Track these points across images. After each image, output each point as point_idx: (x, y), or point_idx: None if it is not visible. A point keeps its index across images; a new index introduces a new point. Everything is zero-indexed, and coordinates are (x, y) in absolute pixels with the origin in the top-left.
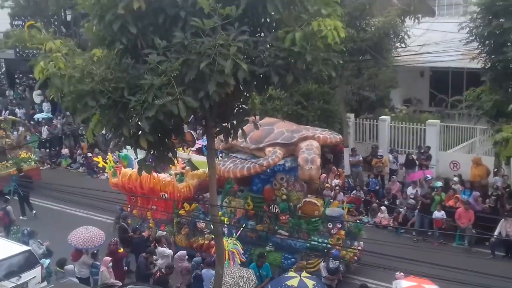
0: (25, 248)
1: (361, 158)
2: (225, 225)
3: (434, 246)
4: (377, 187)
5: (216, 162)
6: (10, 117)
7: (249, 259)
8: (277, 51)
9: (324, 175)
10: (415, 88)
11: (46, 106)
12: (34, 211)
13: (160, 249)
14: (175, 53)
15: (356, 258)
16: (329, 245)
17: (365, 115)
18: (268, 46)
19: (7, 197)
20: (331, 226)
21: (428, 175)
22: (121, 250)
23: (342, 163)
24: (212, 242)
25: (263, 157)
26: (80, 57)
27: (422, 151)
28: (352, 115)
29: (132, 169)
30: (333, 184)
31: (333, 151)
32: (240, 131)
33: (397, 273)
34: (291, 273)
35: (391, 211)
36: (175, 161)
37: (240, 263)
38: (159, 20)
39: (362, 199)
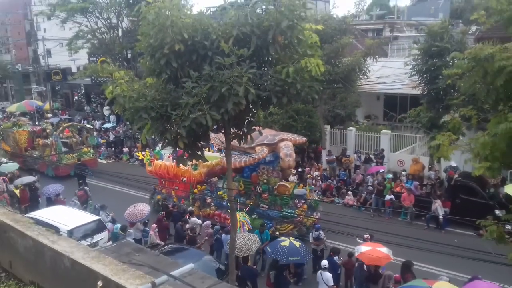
0: (96, 217)
1: (335, 157)
2: (238, 202)
3: (386, 220)
4: (345, 178)
5: (220, 157)
6: (75, 123)
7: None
8: (276, 80)
9: (308, 168)
10: (373, 107)
11: (112, 118)
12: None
13: (192, 219)
14: (204, 81)
15: (314, 223)
16: (295, 215)
17: (337, 127)
18: (269, 77)
19: (86, 181)
20: (297, 201)
21: (381, 169)
22: (166, 222)
23: (320, 160)
24: (216, 211)
25: (253, 154)
26: (137, 83)
27: (378, 152)
28: (328, 126)
29: (162, 161)
30: (314, 175)
31: (315, 152)
32: (249, 136)
33: (358, 239)
34: (283, 238)
35: (355, 195)
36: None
37: (248, 230)
38: (193, 58)
39: (335, 186)
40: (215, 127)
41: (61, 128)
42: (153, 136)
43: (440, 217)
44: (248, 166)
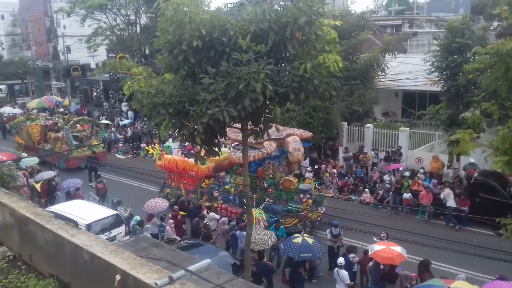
0: (113, 212)
1: (352, 154)
2: (253, 198)
3: (403, 218)
4: (362, 175)
5: (228, 152)
6: (86, 117)
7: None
8: (293, 76)
9: (324, 165)
10: (391, 104)
11: (130, 114)
12: (93, 183)
13: (211, 214)
14: (221, 77)
15: (319, 218)
16: (300, 209)
17: (355, 124)
18: (287, 73)
19: (100, 174)
20: (302, 196)
21: (399, 167)
22: (182, 213)
23: (337, 157)
24: (223, 205)
25: (262, 148)
26: (155, 79)
27: (395, 150)
28: (345, 123)
29: (171, 155)
30: (331, 172)
31: (331, 149)
32: (266, 133)
33: (375, 237)
34: (296, 234)
35: (372, 192)
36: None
37: (264, 226)
38: (211, 54)
39: (351, 183)
40: (232, 123)
41: (71, 122)
42: (170, 132)
43: (448, 206)
44: (255, 161)
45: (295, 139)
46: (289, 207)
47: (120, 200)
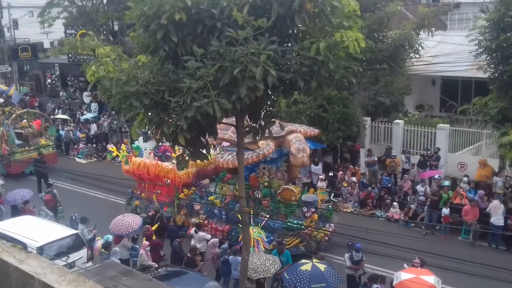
0: (72, 231)
1: (376, 158)
2: (251, 215)
3: (441, 239)
4: (390, 185)
5: (213, 154)
6: (32, 110)
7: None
8: (302, 59)
9: (341, 172)
10: (427, 94)
11: (94, 106)
12: (42, 194)
13: (201, 234)
14: (211, 60)
15: (326, 238)
16: (303, 226)
17: (380, 119)
18: (294, 54)
19: (50, 182)
20: (306, 209)
21: (437, 175)
22: (154, 237)
23: (358, 162)
24: (206, 221)
25: (256, 149)
26: (126, 62)
27: (431, 152)
28: (368, 119)
29: (142, 158)
30: (350, 181)
31: (351, 151)
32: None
33: (405, 264)
34: (303, 260)
35: (402, 207)
36: (209, 157)
37: (264, 250)
38: (198, 30)
39: (376, 195)
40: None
41: (13, 116)
42: (146, 130)
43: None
44: (248, 165)
45: (298, 137)
46: (288, 224)
47: (84, 217)
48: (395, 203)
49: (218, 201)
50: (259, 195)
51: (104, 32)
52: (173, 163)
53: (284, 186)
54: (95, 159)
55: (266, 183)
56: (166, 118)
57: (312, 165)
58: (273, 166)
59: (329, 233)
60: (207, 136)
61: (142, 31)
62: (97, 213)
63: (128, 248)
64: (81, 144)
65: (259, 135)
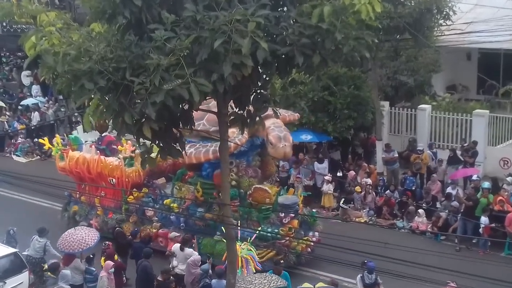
0: (10, 250)
1: (397, 154)
2: (238, 228)
3: (479, 255)
4: (414, 187)
5: None
6: None
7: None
8: (302, 28)
9: (352, 172)
10: (461, 72)
11: (35, 88)
12: None
13: (187, 250)
14: (185, 29)
15: (309, 249)
16: (279, 236)
17: (401, 104)
18: (292, 22)
19: None
20: (283, 215)
21: (473, 174)
22: (116, 257)
23: (374, 159)
24: (160, 230)
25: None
26: (76, 33)
27: (467, 145)
28: (386, 103)
29: (81, 152)
30: (363, 183)
31: (364, 144)
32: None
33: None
34: (305, 284)
35: (430, 215)
36: (182, 153)
37: (254, 271)
38: None
39: (397, 201)
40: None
41: None
42: (102, 120)
43: None
44: (210, 160)
45: (276, 123)
46: (261, 232)
47: (42, 227)
48: (421, 211)
49: (176, 205)
50: None
51: None
52: (119, 158)
53: (257, 185)
54: (38, 156)
55: (234, 182)
56: (128, 104)
57: (316, 163)
58: (242, 161)
59: (312, 243)
60: (181, 127)
61: None
62: (31, 221)
63: (81, 271)
64: (19, 138)
65: (249, 124)
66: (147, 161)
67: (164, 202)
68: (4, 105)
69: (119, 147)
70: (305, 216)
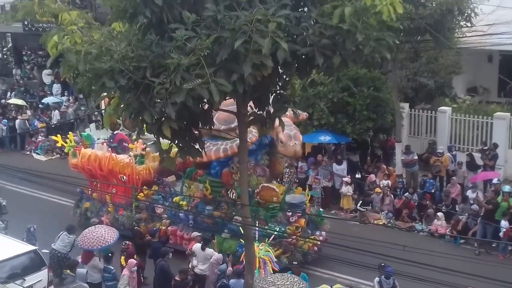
0: (30, 247)
1: (417, 156)
2: (256, 228)
3: (500, 260)
4: (434, 190)
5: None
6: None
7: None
8: (322, 28)
9: (373, 176)
10: (482, 74)
11: (56, 87)
12: None
13: (208, 250)
14: (205, 29)
15: (316, 248)
16: (286, 234)
17: (421, 106)
18: (312, 22)
19: None
20: (290, 213)
21: (494, 177)
22: (135, 257)
23: (393, 161)
24: (170, 228)
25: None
26: (98, 32)
27: (487, 148)
28: (406, 105)
29: (93, 149)
30: (382, 185)
31: (383, 146)
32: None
33: None
34: (323, 286)
35: (449, 218)
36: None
37: (272, 272)
38: None
39: (416, 203)
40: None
41: None
42: (122, 118)
43: None
44: (220, 159)
45: (286, 122)
46: (268, 231)
47: (71, 225)
48: (440, 214)
49: (185, 203)
50: (234, 195)
51: None
52: (130, 156)
53: (264, 184)
54: (58, 155)
55: None
56: (148, 103)
57: (334, 164)
58: (251, 159)
59: (319, 242)
60: (200, 127)
61: None
62: (50, 219)
63: (99, 270)
64: (40, 137)
65: (267, 125)
66: (166, 161)
67: (174, 199)
68: (25, 104)
69: (130, 145)
70: (312, 215)
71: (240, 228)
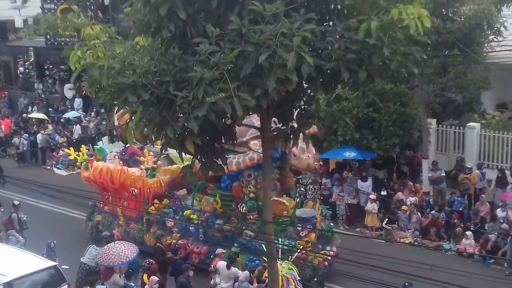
0: (50, 263)
1: (444, 173)
2: (279, 246)
3: None
4: (462, 208)
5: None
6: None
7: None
8: (348, 43)
9: (400, 194)
10: None
11: (77, 102)
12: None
13: (233, 269)
14: (229, 43)
15: (326, 263)
16: (296, 248)
17: (449, 121)
18: (338, 37)
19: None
20: (300, 228)
21: None
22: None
23: (420, 178)
24: (180, 241)
25: (245, 152)
26: (120, 46)
27: None
28: (434, 121)
29: (105, 162)
30: (409, 202)
31: (410, 163)
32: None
33: None
34: None
35: (478, 237)
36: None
37: None
38: (212, 4)
39: (443, 221)
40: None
41: None
42: (145, 133)
43: None
44: (233, 172)
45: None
46: (278, 245)
47: (99, 238)
48: (468, 232)
49: (195, 217)
50: (244, 208)
51: (92, 7)
52: (141, 169)
53: (274, 198)
54: (78, 170)
55: (252, 194)
56: (171, 118)
57: (359, 180)
58: (261, 173)
59: (329, 258)
60: (223, 142)
61: (141, 5)
62: (70, 235)
63: (120, 286)
64: (61, 151)
65: (291, 140)
66: (188, 175)
67: (184, 213)
68: (47, 118)
69: (142, 158)
70: (322, 230)
71: (263, 245)
